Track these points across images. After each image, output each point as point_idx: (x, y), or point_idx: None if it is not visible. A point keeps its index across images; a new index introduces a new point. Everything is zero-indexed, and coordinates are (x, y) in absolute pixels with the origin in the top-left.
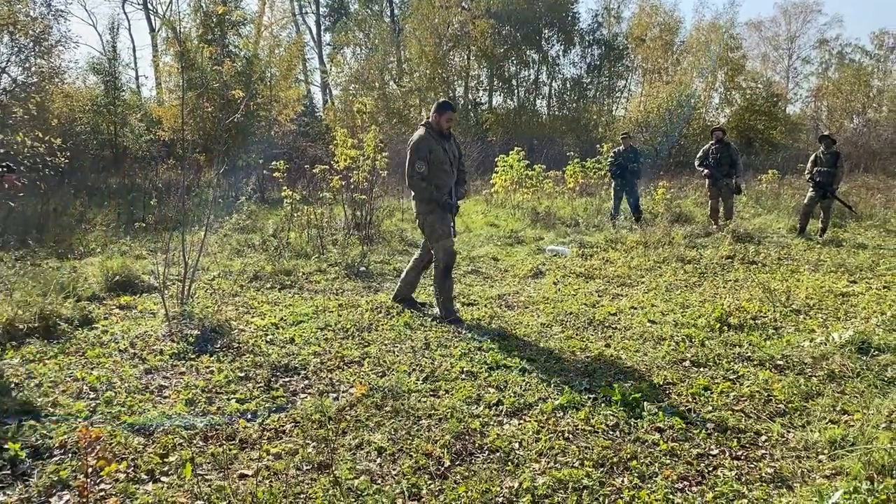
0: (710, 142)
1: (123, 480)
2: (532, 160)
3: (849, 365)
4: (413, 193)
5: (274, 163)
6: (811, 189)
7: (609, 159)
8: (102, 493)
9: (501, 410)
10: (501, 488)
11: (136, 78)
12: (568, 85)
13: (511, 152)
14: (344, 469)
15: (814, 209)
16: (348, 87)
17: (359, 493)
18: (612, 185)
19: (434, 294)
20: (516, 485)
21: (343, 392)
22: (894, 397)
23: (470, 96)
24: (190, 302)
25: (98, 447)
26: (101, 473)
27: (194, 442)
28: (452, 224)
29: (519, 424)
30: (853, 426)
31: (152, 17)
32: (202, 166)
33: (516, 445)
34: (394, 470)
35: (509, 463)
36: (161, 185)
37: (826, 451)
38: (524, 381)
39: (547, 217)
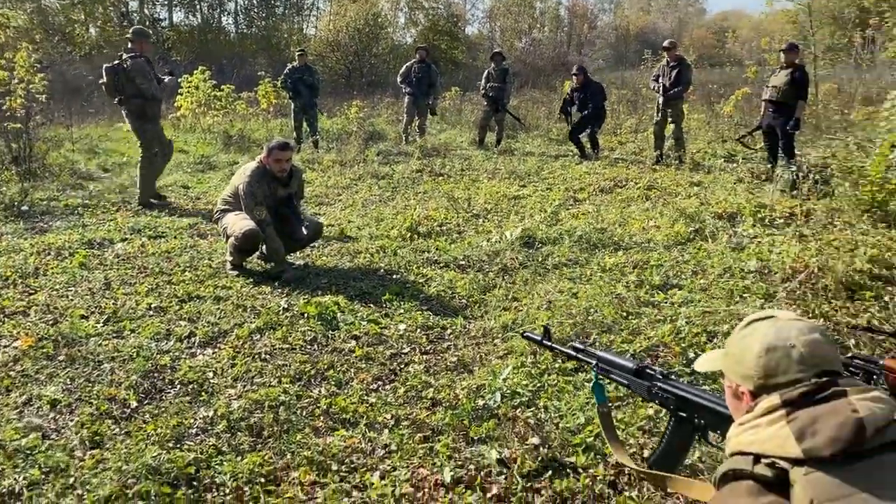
0: (414, 59)
1: None
2: (222, 81)
3: (518, 258)
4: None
5: None
6: (485, 104)
7: (282, 77)
8: None
9: (194, 342)
10: (195, 419)
11: None
12: (255, 1)
13: (195, 72)
14: (8, 430)
15: (489, 122)
16: None
17: (28, 452)
18: (292, 106)
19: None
20: (211, 413)
21: (4, 347)
22: (553, 281)
23: (147, 12)
24: None
25: None
26: None
27: None
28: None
29: (213, 353)
30: (521, 311)
31: None
32: None
33: (210, 375)
34: (71, 421)
35: (203, 393)
36: None
37: (500, 335)
38: (219, 309)
39: (241, 140)
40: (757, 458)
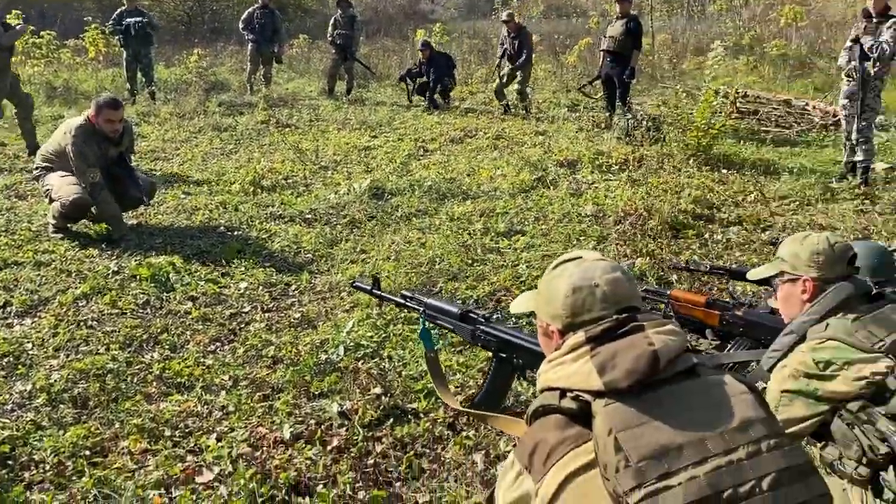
0: (256, 5)
1: None
2: (43, 27)
3: (366, 210)
4: None
5: None
6: (333, 52)
7: (111, 22)
8: None
9: (10, 312)
10: (10, 394)
11: None
12: None
13: (8, 16)
14: None
15: (338, 71)
16: None
17: None
18: (124, 54)
19: None
20: (29, 387)
21: None
22: (402, 232)
23: None
24: None
25: None
26: None
27: None
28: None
29: (32, 323)
30: (369, 263)
31: None
32: None
33: (29, 346)
34: None
35: (20, 366)
36: None
37: (346, 289)
38: (40, 275)
39: (67, 92)
40: (563, 393)
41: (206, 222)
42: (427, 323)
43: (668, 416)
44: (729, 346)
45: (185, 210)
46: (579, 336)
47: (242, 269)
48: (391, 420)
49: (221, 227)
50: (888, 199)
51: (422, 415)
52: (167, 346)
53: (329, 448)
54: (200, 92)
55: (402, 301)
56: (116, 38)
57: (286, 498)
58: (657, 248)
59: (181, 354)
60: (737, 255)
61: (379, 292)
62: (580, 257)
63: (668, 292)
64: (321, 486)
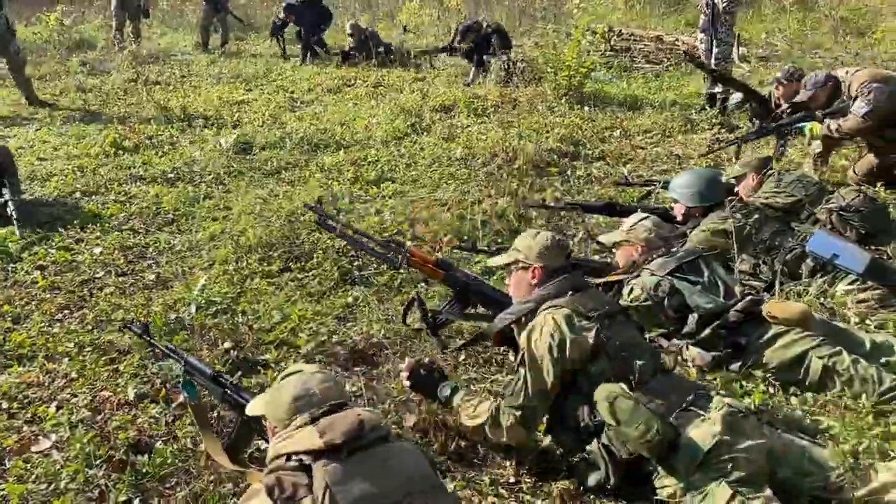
0: None
1: None
2: None
3: (232, 166)
4: None
5: None
6: (204, 3)
7: None
8: None
9: None
10: None
11: None
12: None
13: None
14: None
15: (212, 23)
16: None
17: None
18: None
19: None
20: None
21: None
22: (270, 186)
23: None
24: None
25: None
26: None
27: None
28: None
29: None
30: (230, 219)
31: None
32: None
33: None
34: None
35: None
36: None
37: (207, 247)
38: None
39: None
40: (289, 457)
41: (60, 188)
42: (188, 376)
43: (367, 474)
44: (446, 303)
45: (39, 177)
46: (304, 417)
47: (97, 233)
48: (240, 372)
49: (77, 193)
50: (744, 127)
51: (272, 364)
52: (9, 318)
53: (174, 405)
54: (62, 51)
55: (166, 351)
56: None
57: (124, 457)
58: (521, 186)
59: (25, 325)
60: (597, 189)
61: (149, 339)
62: (301, 370)
63: (407, 247)
64: (160, 442)
